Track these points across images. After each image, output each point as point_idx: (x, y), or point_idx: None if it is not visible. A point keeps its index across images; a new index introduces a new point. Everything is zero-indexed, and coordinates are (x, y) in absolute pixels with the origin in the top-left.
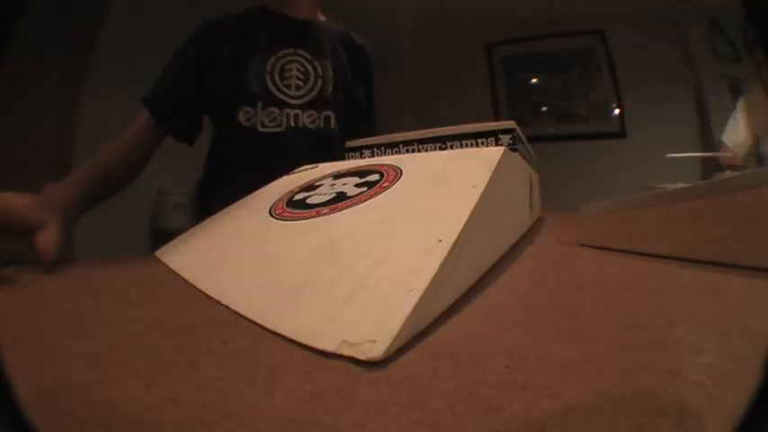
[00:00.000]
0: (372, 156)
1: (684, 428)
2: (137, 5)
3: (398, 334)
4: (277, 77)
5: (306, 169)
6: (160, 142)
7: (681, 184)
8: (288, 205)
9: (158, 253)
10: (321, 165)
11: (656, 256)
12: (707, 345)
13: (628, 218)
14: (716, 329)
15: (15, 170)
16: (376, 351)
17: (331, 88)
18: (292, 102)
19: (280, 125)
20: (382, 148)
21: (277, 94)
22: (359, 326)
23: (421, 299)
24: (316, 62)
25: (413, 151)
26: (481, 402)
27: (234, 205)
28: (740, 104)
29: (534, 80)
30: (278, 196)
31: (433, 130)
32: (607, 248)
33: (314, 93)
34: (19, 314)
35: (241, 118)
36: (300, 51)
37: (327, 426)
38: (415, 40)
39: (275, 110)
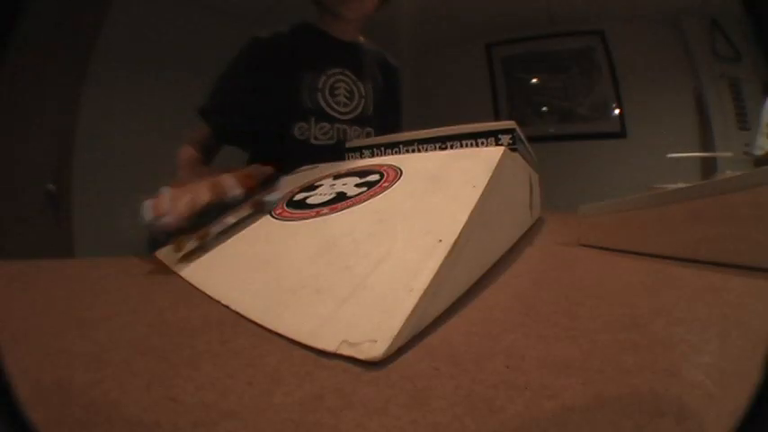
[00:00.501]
0: (372, 156)
1: (684, 428)
2: (137, 5)
3: (398, 334)
4: (328, 95)
5: (306, 169)
6: (219, 147)
7: (681, 184)
8: (288, 205)
9: (158, 253)
10: (321, 165)
11: (656, 256)
12: (707, 345)
13: (628, 218)
14: (716, 329)
15: (16, 170)
16: (376, 351)
17: (372, 107)
18: (340, 117)
19: (331, 138)
20: (382, 148)
21: (328, 110)
22: (359, 326)
23: (421, 299)
24: (359, 82)
25: (413, 151)
26: (481, 402)
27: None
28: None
29: (534, 80)
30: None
31: (433, 130)
32: (607, 248)
33: (358, 110)
34: (19, 314)
35: (296, 132)
36: (346, 72)
37: (327, 426)
38: (415, 40)
39: (326, 125)
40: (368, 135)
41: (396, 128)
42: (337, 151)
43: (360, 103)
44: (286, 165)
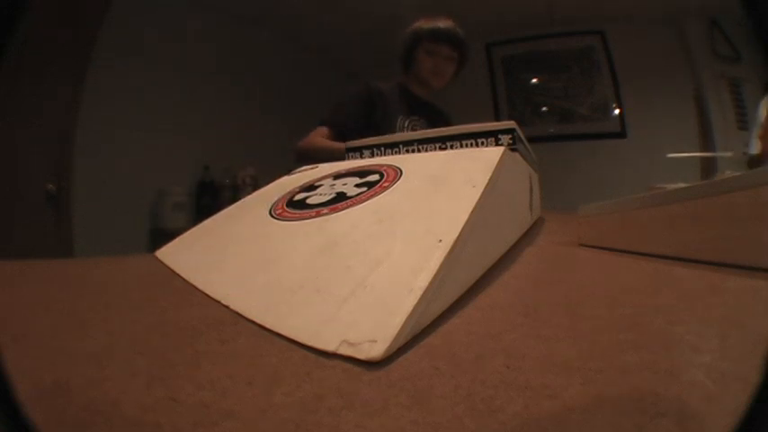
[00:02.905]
0: (372, 156)
1: (684, 428)
2: (137, 5)
3: (398, 334)
4: (409, 130)
5: (306, 169)
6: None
7: (681, 184)
8: (288, 205)
9: (158, 253)
10: (321, 165)
11: (656, 256)
12: (707, 345)
13: (628, 218)
14: (716, 329)
15: (16, 170)
16: (376, 351)
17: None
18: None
19: None
20: (382, 149)
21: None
22: (359, 326)
23: (421, 299)
24: (427, 126)
25: (413, 151)
26: (481, 402)
27: (234, 206)
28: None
29: (534, 80)
30: (278, 196)
31: (433, 130)
32: (607, 248)
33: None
34: (19, 314)
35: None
36: (421, 119)
37: (327, 426)
38: None
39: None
40: None
41: None
42: None
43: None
44: None
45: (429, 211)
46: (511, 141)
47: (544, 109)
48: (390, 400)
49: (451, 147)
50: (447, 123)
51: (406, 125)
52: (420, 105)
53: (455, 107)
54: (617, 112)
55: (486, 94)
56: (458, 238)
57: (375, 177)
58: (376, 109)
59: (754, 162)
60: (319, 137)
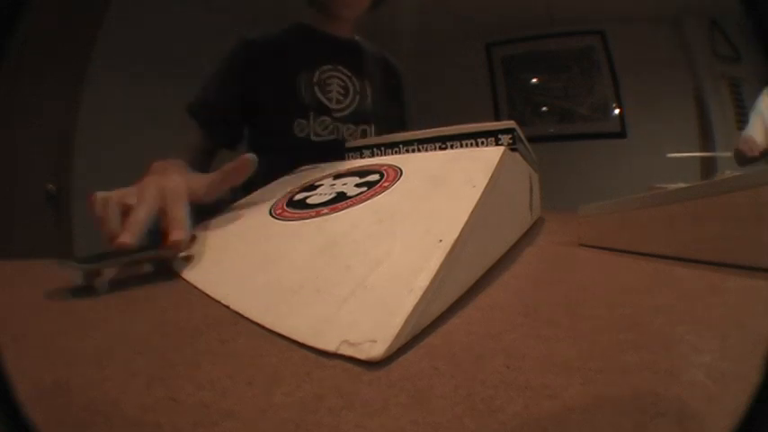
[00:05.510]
0: (372, 156)
1: (684, 428)
2: (136, 5)
3: (398, 334)
4: (319, 90)
5: (306, 169)
6: (216, 151)
7: (681, 184)
8: (288, 205)
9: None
10: (321, 165)
11: (656, 256)
12: (707, 345)
13: (628, 218)
14: (716, 329)
15: (16, 170)
16: (376, 351)
17: (369, 104)
18: (335, 114)
19: (331, 133)
20: (382, 148)
21: (326, 103)
22: (359, 326)
23: (421, 299)
24: (354, 78)
25: (413, 151)
26: (481, 402)
27: (234, 205)
28: (763, 102)
29: (534, 80)
30: (278, 196)
31: (433, 130)
32: (607, 248)
33: (352, 107)
34: (19, 314)
35: (295, 129)
36: (340, 68)
37: (327, 426)
38: (415, 40)
39: (326, 118)
40: (363, 133)
41: (402, 124)
42: (338, 148)
43: (354, 99)
44: (288, 165)
45: (429, 211)
46: (511, 141)
47: (544, 109)
48: (390, 400)
49: (451, 147)
50: (392, 75)
51: (314, 81)
52: (335, 48)
53: (455, 107)
54: (617, 112)
55: (486, 94)
56: (458, 238)
57: (375, 177)
58: (258, 72)
59: (741, 159)
60: (183, 147)
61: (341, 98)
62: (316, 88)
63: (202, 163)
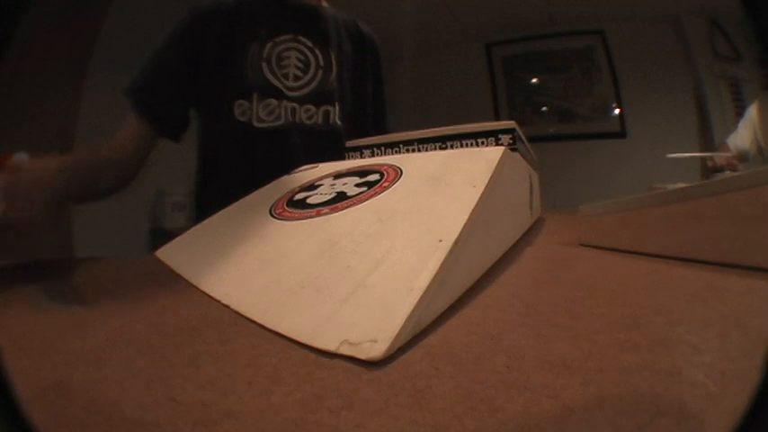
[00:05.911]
0: (372, 155)
1: (684, 428)
2: (137, 5)
3: (399, 334)
4: (274, 65)
5: (306, 169)
6: (154, 140)
7: (681, 184)
8: (288, 205)
9: (158, 253)
10: (321, 164)
11: (656, 255)
12: (707, 345)
13: (628, 218)
14: (716, 329)
15: None
16: (376, 351)
17: (334, 80)
18: (290, 93)
19: (278, 118)
20: (382, 148)
21: (275, 82)
22: (359, 325)
23: (421, 299)
24: (317, 50)
25: (413, 151)
26: (481, 402)
27: (234, 205)
28: (753, 109)
29: (534, 80)
30: (278, 196)
31: (433, 130)
32: (607, 248)
33: (313, 84)
34: (19, 314)
35: (236, 112)
36: (301, 38)
37: (327, 426)
38: (415, 40)
39: (273, 101)
40: (326, 114)
41: (377, 104)
42: (286, 136)
43: (316, 75)
44: (227, 153)
45: (429, 211)
46: (511, 141)
47: (544, 109)
48: (390, 400)
49: (451, 147)
50: (365, 46)
51: (266, 55)
52: (295, 15)
53: (455, 107)
54: (617, 111)
55: (486, 94)
56: (458, 238)
57: (375, 177)
58: (204, 45)
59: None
60: (120, 135)
61: (299, 74)
62: (264, 64)
63: (136, 153)
